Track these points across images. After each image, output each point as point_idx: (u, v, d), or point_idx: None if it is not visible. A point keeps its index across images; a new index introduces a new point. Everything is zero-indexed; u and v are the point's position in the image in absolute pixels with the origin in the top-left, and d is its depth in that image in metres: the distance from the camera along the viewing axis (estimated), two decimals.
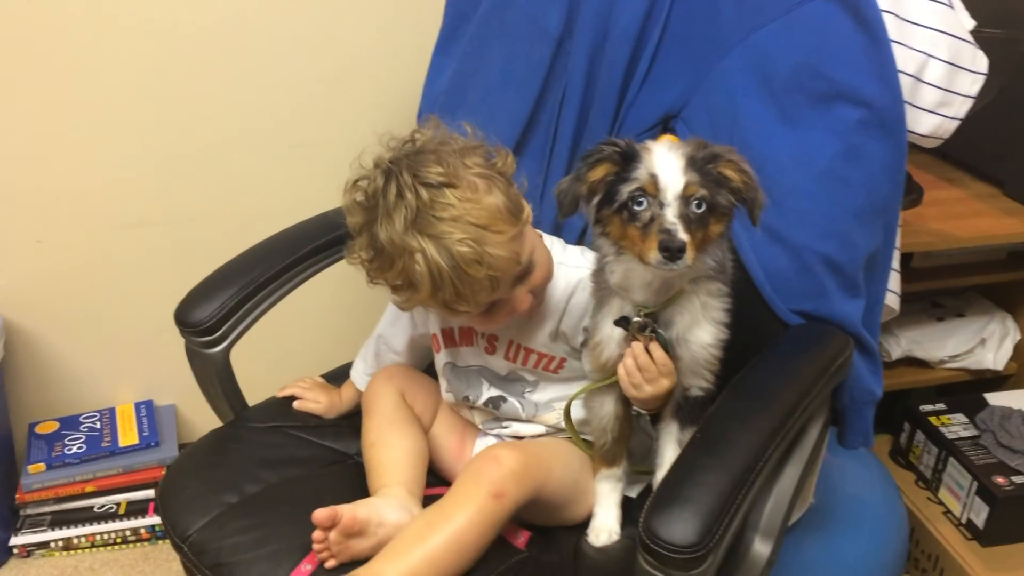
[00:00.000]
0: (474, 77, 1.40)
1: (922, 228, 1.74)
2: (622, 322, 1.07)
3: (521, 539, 1.16)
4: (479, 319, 1.15)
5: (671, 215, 0.97)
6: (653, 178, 0.98)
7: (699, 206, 0.98)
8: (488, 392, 1.27)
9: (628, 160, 1.00)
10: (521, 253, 1.09)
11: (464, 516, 1.05)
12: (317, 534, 1.07)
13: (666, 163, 0.98)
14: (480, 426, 1.31)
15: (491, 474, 1.07)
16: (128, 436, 1.87)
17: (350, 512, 1.07)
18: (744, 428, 1.01)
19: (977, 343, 1.93)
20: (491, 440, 1.29)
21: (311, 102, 1.82)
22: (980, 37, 1.52)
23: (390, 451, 1.21)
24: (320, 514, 1.06)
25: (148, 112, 1.75)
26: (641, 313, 1.06)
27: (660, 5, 1.27)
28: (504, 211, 1.07)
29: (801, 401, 1.06)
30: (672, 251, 0.95)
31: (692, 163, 0.99)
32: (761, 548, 1.09)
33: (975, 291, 2.04)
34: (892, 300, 1.34)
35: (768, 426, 1.02)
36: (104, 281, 1.86)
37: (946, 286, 1.96)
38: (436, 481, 1.26)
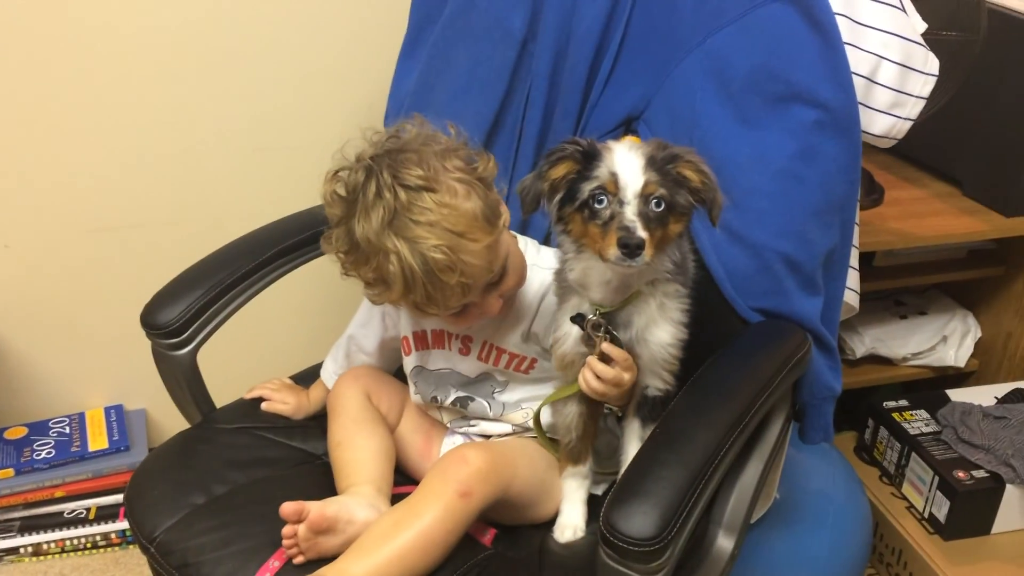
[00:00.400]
0: (439, 79, 1.41)
1: (883, 227, 1.77)
2: (577, 319, 1.08)
3: (487, 536, 1.17)
4: (449, 319, 1.17)
5: (630, 213, 0.99)
6: (613, 176, 1.00)
7: (658, 205, 1.00)
8: (456, 392, 1.28)
9: (589, 159, 1.02)
10: (495, 261, 1.10)
11: (432, 515, 1.06)
12: (287, 529, 1.07)
13: (626, 162, 1.00)
14: (448, 424, 1.32)
15: (458, 473, 1.08)
16: (98, 441, 1.87)
17: (319, 508, 1.08)
18: (702, 423, 1.03)
19: (939, 340, 1.97)
20: (458, 439, 1.30)
21: (280, 105, 1.82)
22: (937, 39, 1.56)
23: (357, 451, 1.22)
24: (288, 507, 1.06)
25: (116, 115, 1.75)
26: (597, 312, 1.08)
27: (621, 8, 1.28)
28: (481, 218, 1.08)
29: (759, 396, 1.08)
30: (631, 247, 0.97)
31: (652, 163, 1.00)
32: (724, 542, 1.11)
33: (937, 289, 2.08)
34: (851, 298, 1.36)
35: (726, 421, 1.03)
36: (73, 285, 1.85)
37: (908, 284, 2.00)
38: (403, 480, 1.27)
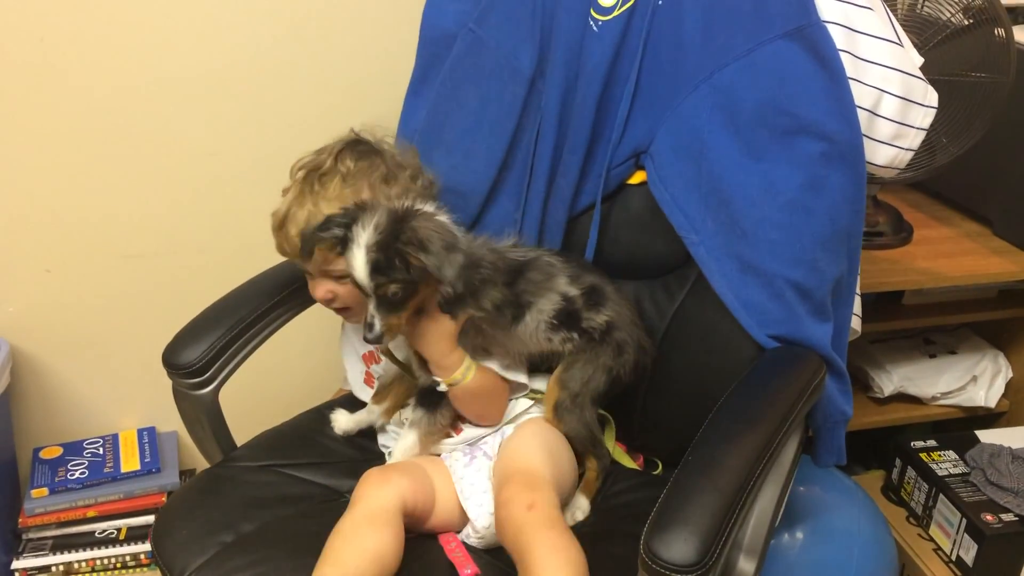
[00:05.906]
0: (449, 118, 1.42)
1: (912, 266, 1.75)
2: None
3: (469, 571, 1.16)
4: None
5: (372, 308, 1.13)
6: (354, 278, 1.14)
7: (395, 294, 1.12)
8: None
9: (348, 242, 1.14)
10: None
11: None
12: None
13: (359, 263, 1.12)
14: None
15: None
16: (130, 462, 1.90)
17: None
18: (733, 450, 1.04)
19: (969, 380, 1.93)
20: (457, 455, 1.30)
21: (314, 135, 1.86)
22: (968, 81, 1.56)
23: (355, 548, 1.11)
24: None
25: (153, 146, 1.80)
26: None
27: (631, 45, 1.29)
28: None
29: (783, 422, 1.10)
30: (370, 340, 1.14)
31: (377, 267, 1.10)
32: (746, 566, 1.11)
33: (968, 328, 2.05)
34: (855, 322, 1.37)
35: (755, 447, 1.05)
36: (109, 310, 1.90)
37: (938, 323, 1.97)
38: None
